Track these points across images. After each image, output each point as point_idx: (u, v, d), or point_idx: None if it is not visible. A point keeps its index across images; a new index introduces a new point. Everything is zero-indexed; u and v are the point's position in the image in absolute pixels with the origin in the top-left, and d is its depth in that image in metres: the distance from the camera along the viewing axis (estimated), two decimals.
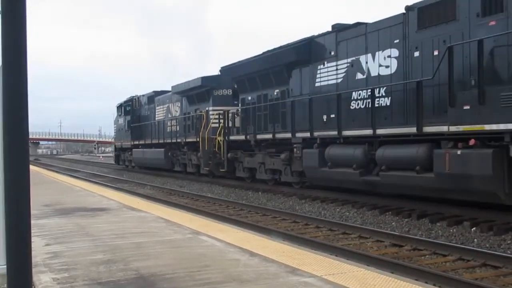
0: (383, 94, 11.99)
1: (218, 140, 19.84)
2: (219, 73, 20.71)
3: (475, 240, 8.62)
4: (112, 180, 24.94)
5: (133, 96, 32.19)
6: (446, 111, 9.89)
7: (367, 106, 12.34)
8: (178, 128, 24.78)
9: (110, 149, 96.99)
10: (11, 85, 2.37)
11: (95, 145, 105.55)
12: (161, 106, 27.64)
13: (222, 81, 20.68)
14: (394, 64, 11.82)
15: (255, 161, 17.69)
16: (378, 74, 12.26)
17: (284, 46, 15.98)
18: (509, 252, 7.69)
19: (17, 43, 2.35)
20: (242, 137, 18.17)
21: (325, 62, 14.07)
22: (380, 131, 11.73)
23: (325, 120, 13.89)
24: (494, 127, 8.93)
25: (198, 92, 22.30)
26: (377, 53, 12.29)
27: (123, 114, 32.89)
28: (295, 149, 14.95)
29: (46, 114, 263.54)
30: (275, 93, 16.68)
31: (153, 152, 27.15)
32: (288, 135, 15.23)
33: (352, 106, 12.90)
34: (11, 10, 2.35)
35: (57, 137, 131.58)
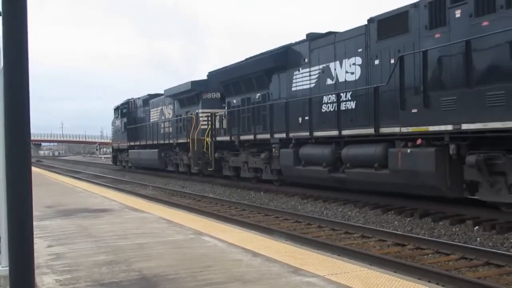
0: (349, 98, 13.13)
1: (206, 141, 21.03)
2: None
3: (478, 239, 8.57)
4: (114, 181, 25.18)
5: (130, 99, 33.38)
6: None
7: (335, 109, 13.48)
8: (170, 130, 25.96)
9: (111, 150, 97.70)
10: (13, 85, 2.35)
11: (97, 146, 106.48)
12: (155, 109, 28.84)
13: (210, 85, 21.85)
14: (358, 71, 12.96)
15: (240, 160, 18.87)
16: (345, 80, 13.41)
17: (264, 53, 17.19)
18: None
19: (18, 43, 2.34)
20: (228, 138, 19.38)
21: (300, 69, 15.23)
22: (345, 132, 12.90)
23: (300, 122, 15.04)
24: (436, 128, 10.10)
25: (188, 96, 23.51)
26: (344, 60, 13.44)
27: (120, 116, 34.10)
28: (273, 149, 16.14)
29: (48, 115, 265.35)
30: (257, 97, 17.85)
31: (147, 153, 28.36)
32: (267, 136, 16.41)
33: (323, 109, 14.04)
34: (12, 10, 2.34)
35: (59, 139, 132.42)
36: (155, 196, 16.60)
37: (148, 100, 30.38)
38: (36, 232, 4.72)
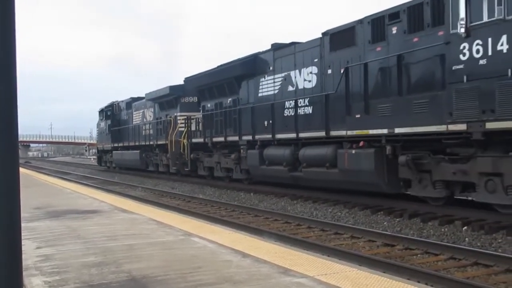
0: (306, 104, 14.40)
1: (183, 143, 22.25)
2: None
3: (467, 239, 8.63)
4: (103, 182, 25.25)
5: (114, 102, 34.49)
6: None
7: (294, 114, 14.75)
8: (151, 132, 27.14)
9: None
10: (0, 85, 2.28)
11: (86, 147, 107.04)
12: (138, 111, 29.99)
13: (187, 90, 23.07)
14: (314, 79, 14.23)
15: (213, 160, 20.11)
16: (304, 87, 14.68)
17: (234, 61, 18.45)
18: (500, 250, 7.72)
19: (5, 44, 2.28)
20: (202, 140, 20.63)
21: (266, 76, 16.49)
22: (302, 135, 14.18)
23: (266, 125, 16.29)
24: (374, 131, 11.41)
25: (167, 100, 24.71)
26: (302, 69, 14.71)
27: (104, 118, 35.19)
28: (242, 150, 17.39)
29: (36, 116, 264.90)
30: (229, 102, 19.10)
31: (130, 154, 29.54)
32: (236, 138, 17.67)
33: (285, 114, 15.31)
34: None
35: (48, 140, 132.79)
36: (145, 197, 16.79)
37: (131, 103, 31.53)
38: (24, 233, 4.84)
